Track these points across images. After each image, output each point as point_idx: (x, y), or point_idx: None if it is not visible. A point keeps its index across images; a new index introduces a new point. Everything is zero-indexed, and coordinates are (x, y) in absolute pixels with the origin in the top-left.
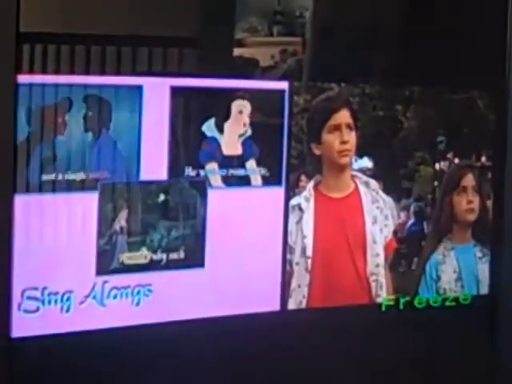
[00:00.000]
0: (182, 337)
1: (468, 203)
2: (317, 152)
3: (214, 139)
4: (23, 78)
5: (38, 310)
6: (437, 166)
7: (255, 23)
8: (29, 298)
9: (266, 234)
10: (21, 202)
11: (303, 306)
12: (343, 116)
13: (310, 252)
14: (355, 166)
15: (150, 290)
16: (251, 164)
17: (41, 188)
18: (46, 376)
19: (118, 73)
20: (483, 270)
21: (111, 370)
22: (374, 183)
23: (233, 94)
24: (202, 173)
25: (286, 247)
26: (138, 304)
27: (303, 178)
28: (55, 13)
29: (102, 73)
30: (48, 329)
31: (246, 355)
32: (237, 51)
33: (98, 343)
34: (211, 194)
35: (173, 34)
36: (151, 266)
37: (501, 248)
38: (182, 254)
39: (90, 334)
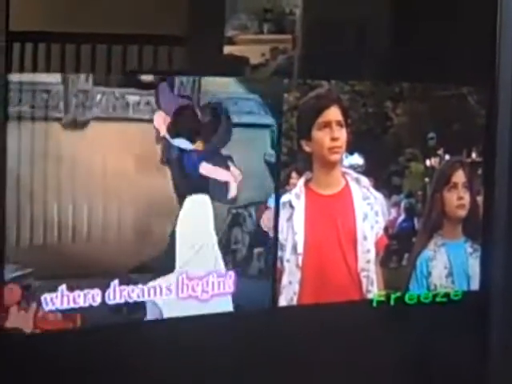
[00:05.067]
0: (174, 334)
1: (458, 199)
2: (307, 149)
3: None
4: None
5: None
6: (427, 162)
7: (245, 21)
8: None
9: None
10: None
11: (294, 302)
12: (333, 113)
13: (300, 249)
14: (346, 162)
15: None
16: None
17: None
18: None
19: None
20: (474, 265)
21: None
22: (364, 180)
23: None
24: None
25: (277, 244)
26: None
27: (294, 174)
28: (46, 12)
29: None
30: None
31: (237, 352)
32: (227, 49)
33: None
34: None
35: (163, 33)
36: None
37: (491, 243)
38: None
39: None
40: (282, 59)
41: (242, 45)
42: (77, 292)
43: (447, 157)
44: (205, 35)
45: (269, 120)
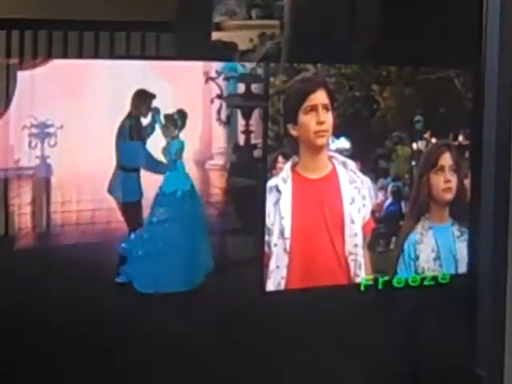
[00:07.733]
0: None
1: (445, 182)
2: (293, 133)
3: None
4: None
5: None
6: (414, 145)
7: (233, 6)
8: None
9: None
10: None
11: (282, 287)
12: (319, 97)
13: (288, 233)
14: (332, 146)
15: None
16: None
17: None
18: None
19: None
20: (461, 248)
21: None
22: (351, 163)
23: None
24: None
25: (264, 229)
26: None
27: (280, 159)
28: None
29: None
30: None
31: (225, 337)
32: (215, 35)
33: None
34: None
35: (150, 19)
36: None
37: (478, 226)
38: None
39: None
40: (271, 44)
41: (230, 30)
42: None
43: (434, 140)
44: (193, 21)
45: None
